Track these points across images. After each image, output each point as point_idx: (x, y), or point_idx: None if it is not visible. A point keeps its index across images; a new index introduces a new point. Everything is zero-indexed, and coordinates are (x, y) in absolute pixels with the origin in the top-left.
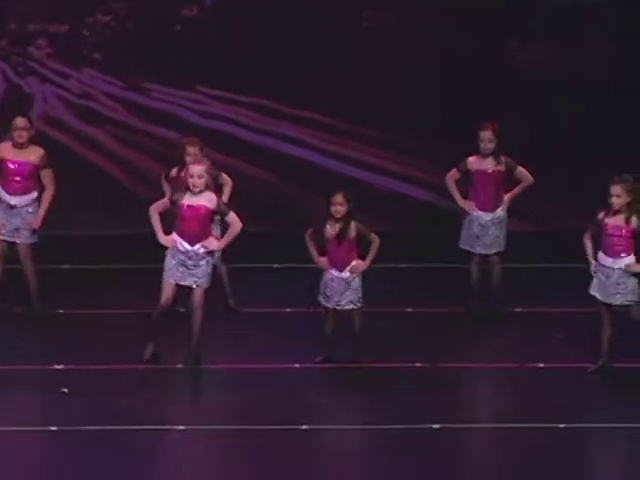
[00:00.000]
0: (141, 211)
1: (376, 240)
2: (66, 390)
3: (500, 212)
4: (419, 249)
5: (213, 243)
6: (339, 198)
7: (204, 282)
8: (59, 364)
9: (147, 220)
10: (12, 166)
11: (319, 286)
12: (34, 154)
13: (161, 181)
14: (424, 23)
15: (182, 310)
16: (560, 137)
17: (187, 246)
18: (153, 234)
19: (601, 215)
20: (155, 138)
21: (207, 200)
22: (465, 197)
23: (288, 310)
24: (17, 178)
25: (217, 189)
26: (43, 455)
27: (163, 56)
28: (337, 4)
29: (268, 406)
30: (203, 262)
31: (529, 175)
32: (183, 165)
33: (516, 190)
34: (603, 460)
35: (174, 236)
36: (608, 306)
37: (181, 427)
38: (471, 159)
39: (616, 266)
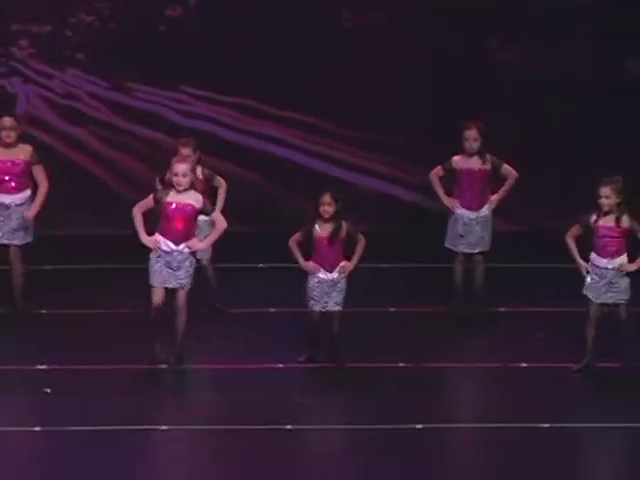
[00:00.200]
0: (126, 211)
1: (362, 240)
2: (49, 390)
3: (485, 211)
4: (403, 249)
5: (197, 243)
6: (327, 198)
7: (187, 283)
8: (42, 364)
9: (132, 220)
10: (2, 166)
11: (306, 292)
12: (23, 152)
13: (155, 184)
14: (416, 23)
15: (167, 310)
16: (552, 137)
17: (172, 246)
18: (136, 234)
19: (593, 218)
20: (139, 138)
21: (193, 199)
22: (449, 195)
23: (272, 310)
24: (7, 177)
25: (211, 191)
26: (27, 456)
27: (147, 56)
28: (327, 3)
29: (252, 406)
30: (187, 263)
31: (513, 171)
32: None
33: (504, 188)
34: (586, 460)
35: (157, 237)
36: (600, 306)
37: (164, 427)
38: (456, 158)
39: (610, 266)
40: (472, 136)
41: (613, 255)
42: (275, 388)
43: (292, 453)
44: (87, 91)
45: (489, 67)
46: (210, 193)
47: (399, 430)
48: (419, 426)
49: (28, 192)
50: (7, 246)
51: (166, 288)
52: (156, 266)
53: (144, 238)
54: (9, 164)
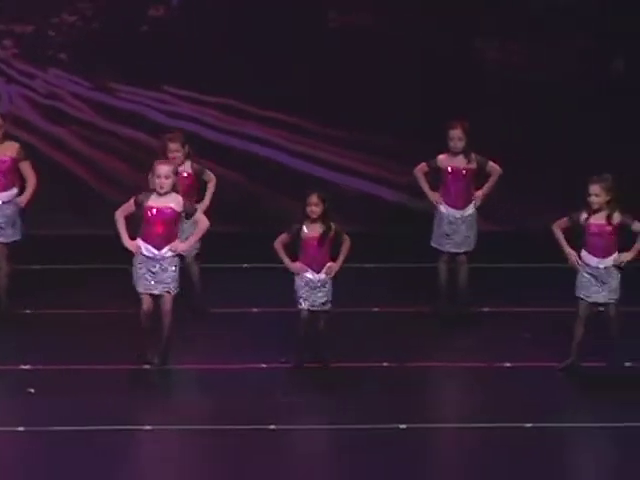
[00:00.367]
0: (108, 211)
1: (347, 241)
2: (33, 390)
3: (470, 210)
4: (387, 249)
5: (180, 245)
6: (314, 199)
7: (173, 288)
8: (26, 364)
9: (114, 221)
10: None
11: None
12: (10, 149)
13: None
14: (402, 23)
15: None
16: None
17: (154, 251)
18: (119, 237)
19: (583, 216)
20: (121, 138)
21: (173, 202)
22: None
23: (255, 310)
24: None
25: (201, 186)
26: (11, 456)
27: (129, 56)
28: (313, 3)
29: (235, 406)
30: (172, 267)
31: (497, 167)
32: None
33: (488, 185)
34: (571, 460)
35: (139, 242)
36: (590, 305)
37: (148, 427)
38: (441, 157)
39: (602, 265)
40: (457, 135)
41: (604, 254)
42: (258, 388)
43: (276, 453)
44: (70, 91)
45: (475, 67)
46: (200, 187)
47: (383, 430)
48: (403, 426)
49: (15, 190)
50: None
51: (152, 294)
52: (140, 272)
53: (127, 242)
54: None
